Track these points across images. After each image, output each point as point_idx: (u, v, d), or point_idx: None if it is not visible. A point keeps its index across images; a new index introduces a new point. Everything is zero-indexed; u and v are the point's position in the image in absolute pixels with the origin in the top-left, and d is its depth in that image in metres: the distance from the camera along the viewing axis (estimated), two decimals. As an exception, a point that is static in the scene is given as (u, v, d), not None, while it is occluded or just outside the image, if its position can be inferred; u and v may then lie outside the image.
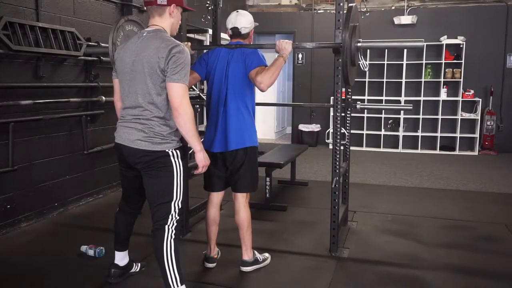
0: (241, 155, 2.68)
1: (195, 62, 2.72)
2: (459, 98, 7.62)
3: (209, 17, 3.77)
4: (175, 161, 2.25)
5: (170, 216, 2.24)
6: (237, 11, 2.76)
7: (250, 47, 2.77)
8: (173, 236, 2.23)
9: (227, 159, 2.70)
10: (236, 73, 2.65)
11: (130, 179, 2.41)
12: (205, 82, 5.99)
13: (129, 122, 2.27)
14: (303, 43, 3.02)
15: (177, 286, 2.21)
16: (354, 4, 3.07)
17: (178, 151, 2.28)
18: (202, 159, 2.29)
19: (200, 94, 4.60)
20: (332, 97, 4.84)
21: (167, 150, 2.23)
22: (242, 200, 2.76)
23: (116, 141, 2.32)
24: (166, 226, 2.23)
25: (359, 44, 2.86)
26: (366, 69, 3.02)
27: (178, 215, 2.27)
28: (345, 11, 2.98)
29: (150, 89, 2.19)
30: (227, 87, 2.66)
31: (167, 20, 2.31)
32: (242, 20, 2.73)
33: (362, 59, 2.96)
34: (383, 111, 7.92)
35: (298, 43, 2.84)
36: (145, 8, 2.34)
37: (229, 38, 2.83)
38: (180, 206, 2.29)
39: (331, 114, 6.47)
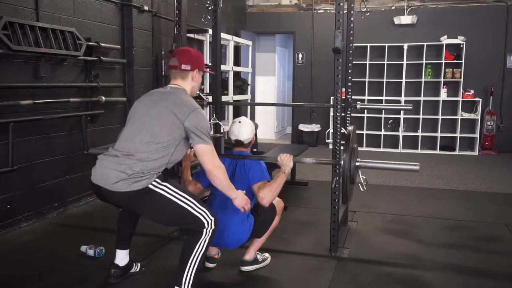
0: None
1: (199, 173, 2.75)
2: (459, 98, 7.62)
3: (209, 17, 3.77)
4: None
5: (204, 220, 2.22)
6: (240, 122, 2.78)
7: (253, 158, 2.79)
8: (207, 241, 2.24)
9: None
10: (240, 186, 2.58)
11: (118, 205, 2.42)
12: (204, 82, 5.99)
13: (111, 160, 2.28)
14: (303, 158, 3.07)
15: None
16: (353, 127, 3.14)
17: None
18: (240, 204, 2.38)
19: (200, 94, 4.60)
20: (332, 97, 4.84)
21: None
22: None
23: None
24: (205, 230, 2.23)
25: (357, 164, 2.99)
26: (364, 189, 3.14)
27: (211, 216, 2.25)
28: (345, 11, 2.98)
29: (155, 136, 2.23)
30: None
31: (189, 84, 2.44)
32: (245, 133, 2.77)
33: (361, 178, 3.09)
34: (383, 111, 7.92)
35: (298, 158, 2.95)
36: (168, 66, 2.44)
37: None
38: (203, 208, 2.25)
39: (331, 114, 6.47)
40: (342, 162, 2.87)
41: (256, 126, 2.90)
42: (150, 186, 2.17)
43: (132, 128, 2.30)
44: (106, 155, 2.29)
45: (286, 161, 2.70)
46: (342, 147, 2.94)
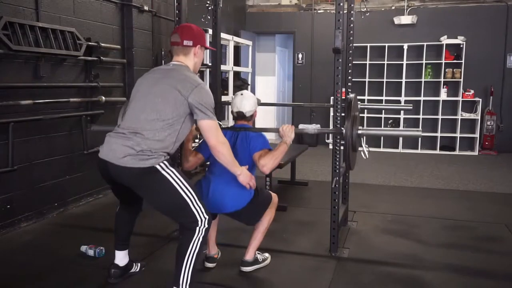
0: (243, 208, 2.64)
1: (200, 143, 2.74)
2: (459, 98, 7.62)
3: (209, 17, 3.77)
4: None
5: (198, 218, 2.22)
6: (242, 94, 2.79)
7: (254, 130, 2.79)
8: (201, 239, 2.23)
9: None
10: (241, 156, 2.61)
11: (120, 189, 2.40)
12: (204, 81, 5.98)
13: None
14: (305, 128, 3.03)
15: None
16: (353, 95, 3.16)
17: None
18: (245, 180, 2.43)
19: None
20: (332, 97, 4.84)
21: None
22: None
23: None
24: (197, 228, 2.22)
25: (360, 132, 2.99)
26: (367, 156, 3.14)
27: (206, 215, 2.24)
28: (345, 11, 2.98)
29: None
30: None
31: (191, 60, 2.42)
32: (247, 105, 2.76)
33: (364, 147, 3.09)
34: (383, 111, 7.92)
35: (300, 128, 2.94)
36: (169, 49, 2.43)
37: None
38: (200, 205, 2.24)
39: (331, 114, 6.47)
40: (344, 130, 2.86)
41: (259, 102, 2.89)
42: (157, 166, 2.16)
43: (136, 107, 2.29)
44: (114, 133, 2.29)
45: (287, 131, 2.71)
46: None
